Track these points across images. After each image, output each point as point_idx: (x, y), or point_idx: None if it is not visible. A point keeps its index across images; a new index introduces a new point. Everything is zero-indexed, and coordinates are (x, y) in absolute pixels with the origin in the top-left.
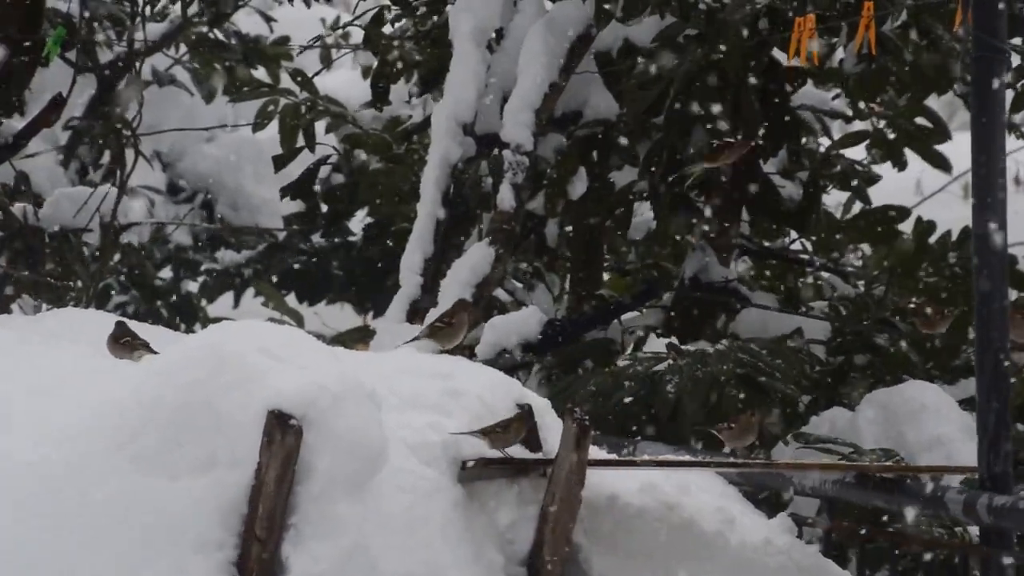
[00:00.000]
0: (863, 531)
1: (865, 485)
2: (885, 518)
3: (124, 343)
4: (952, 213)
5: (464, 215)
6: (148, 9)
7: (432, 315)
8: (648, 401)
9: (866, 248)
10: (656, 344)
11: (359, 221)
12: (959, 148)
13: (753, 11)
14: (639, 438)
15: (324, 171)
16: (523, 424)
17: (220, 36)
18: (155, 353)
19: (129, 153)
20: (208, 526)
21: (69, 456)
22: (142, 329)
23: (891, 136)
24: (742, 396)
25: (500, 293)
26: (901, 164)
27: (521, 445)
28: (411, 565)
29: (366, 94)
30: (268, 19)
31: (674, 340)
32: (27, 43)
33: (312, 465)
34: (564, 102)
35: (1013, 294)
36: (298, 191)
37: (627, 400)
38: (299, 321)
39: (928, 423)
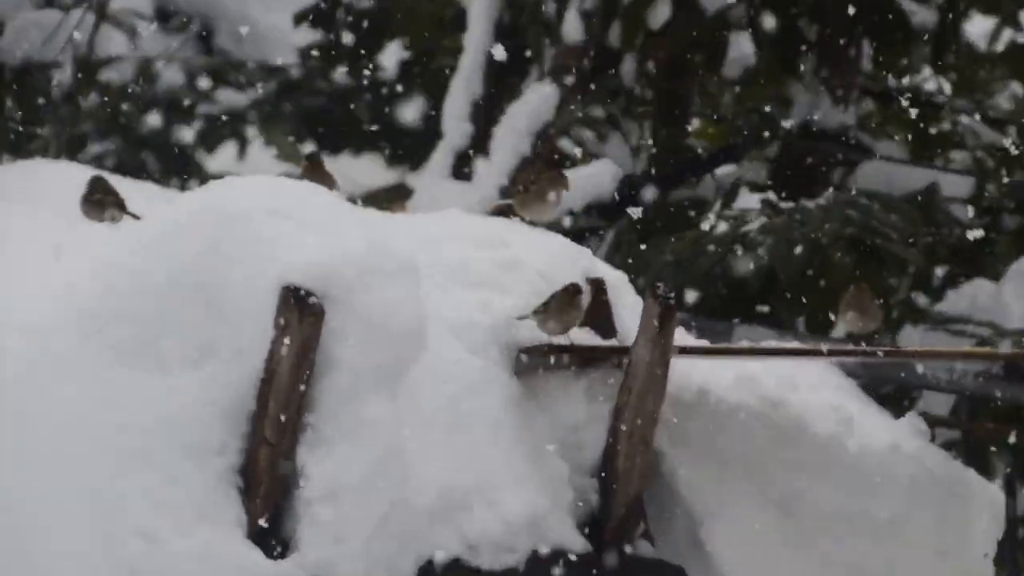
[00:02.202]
0: (1012, 433)
1: (1014, 377)
2: None
3: (95, 201)
4: None
5: (521, 49)
6: None
7: (484, 171)
8: (737, 270)
9: (1017, 87)
10: (748, 201)
11: (392, 55)
12: None
13: None
14: (736, 320)
15: None
16: (571, 300)
17: None
18: (131, 214)
19: None
20: (206, 427)
21: (32, 347)
22: (124, 186)
23: None
24: (849, 260)
25: (566, 144)
26: None
27: (591, 330)
28: (455, 475)
29: None
30: None
31: (770, 196)
32: None
33: (335, 353)
34: None
35: None
36: (316, 17)
37: (712, 270)
38: None
39: None
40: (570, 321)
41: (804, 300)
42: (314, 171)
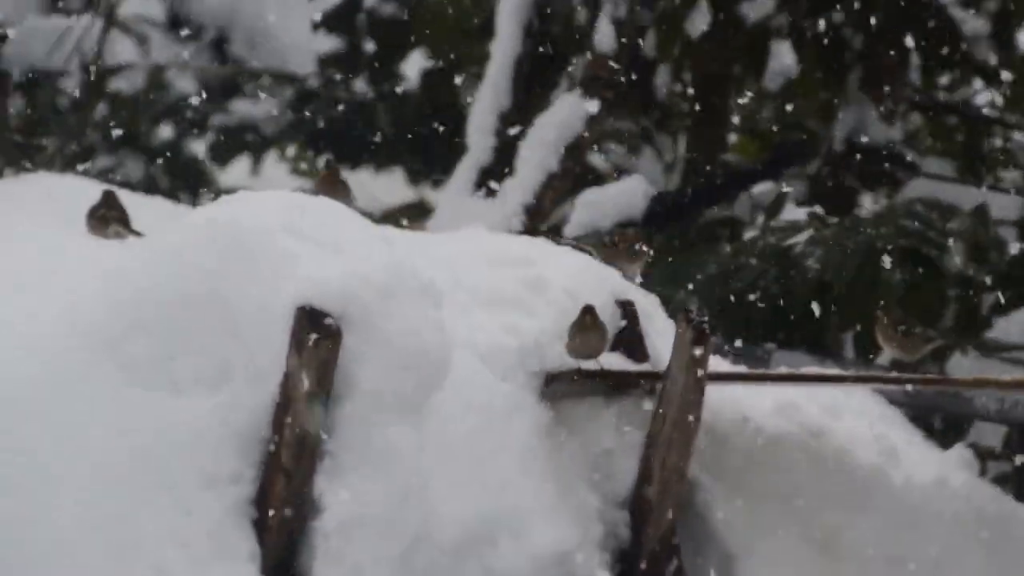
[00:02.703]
0: None
1: None
2: None
3: (99, 217)
4: None
5: (551, 58)
6: None
7: (510, 187)
8: (782, 284)
9: None
10: (793, 215)
11: (414, 64)
12: None
13: None
14: (774, 345)
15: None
16: (588, 322)
17: None
18: (133, 232)
19: None
20: (219, 454)
21: (34, 366)
22: (133, 201)
23: None
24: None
25: (596, 159)
26: None
27: (623, 354)
28: (480, 506)
29: None
30: None
31: (817, 209)
32: None
33: (354, 377)
34: None
35: None
36: (336, 24)
37: (755, 284)
38: None
39: None
40: (594, 345)
41: (854, 317)
42: (329, 182)
